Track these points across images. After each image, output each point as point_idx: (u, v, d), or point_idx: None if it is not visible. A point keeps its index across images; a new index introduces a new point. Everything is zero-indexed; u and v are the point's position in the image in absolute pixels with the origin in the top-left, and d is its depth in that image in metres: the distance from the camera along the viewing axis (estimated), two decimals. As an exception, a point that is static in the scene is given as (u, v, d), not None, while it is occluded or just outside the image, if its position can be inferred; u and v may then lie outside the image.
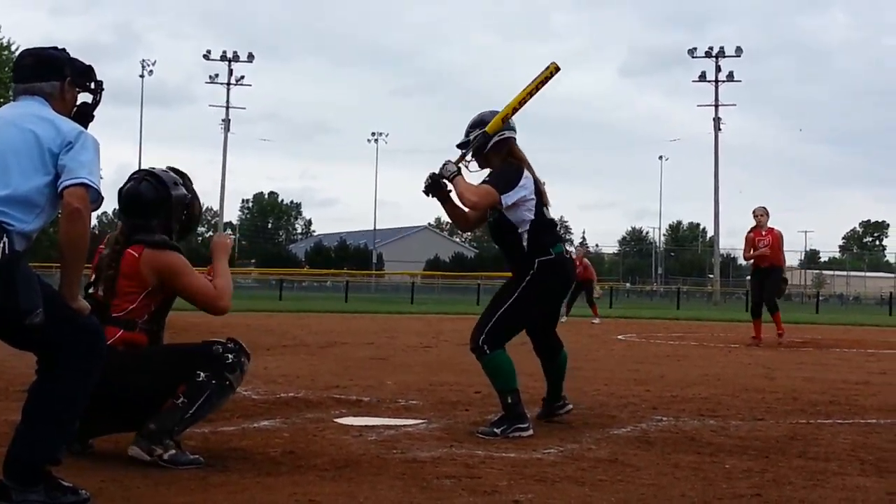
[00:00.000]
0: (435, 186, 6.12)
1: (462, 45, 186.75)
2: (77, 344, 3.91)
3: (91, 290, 4.80)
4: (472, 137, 6.09)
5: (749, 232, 15.49)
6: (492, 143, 6.06)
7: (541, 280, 6.01)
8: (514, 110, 6.09)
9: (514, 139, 6.20)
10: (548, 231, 6.11)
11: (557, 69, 6.12)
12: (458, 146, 6.18)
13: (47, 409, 3.85)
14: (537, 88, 6.09)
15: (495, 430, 5.80)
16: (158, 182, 4.97)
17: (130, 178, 5.03)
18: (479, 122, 6.13)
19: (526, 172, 6.06)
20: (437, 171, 6.06)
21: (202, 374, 4.73)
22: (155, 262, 4.79)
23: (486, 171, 6.17)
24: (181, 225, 5.08)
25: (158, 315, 4.90)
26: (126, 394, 4.66)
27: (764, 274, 15.41)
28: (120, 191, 5.00)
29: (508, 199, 5.92)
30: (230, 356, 4.82)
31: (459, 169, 6.02)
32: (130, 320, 4.77)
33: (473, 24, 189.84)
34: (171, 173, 5.08)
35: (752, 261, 15.57)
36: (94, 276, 4.90)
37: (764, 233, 15.30)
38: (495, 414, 6.11)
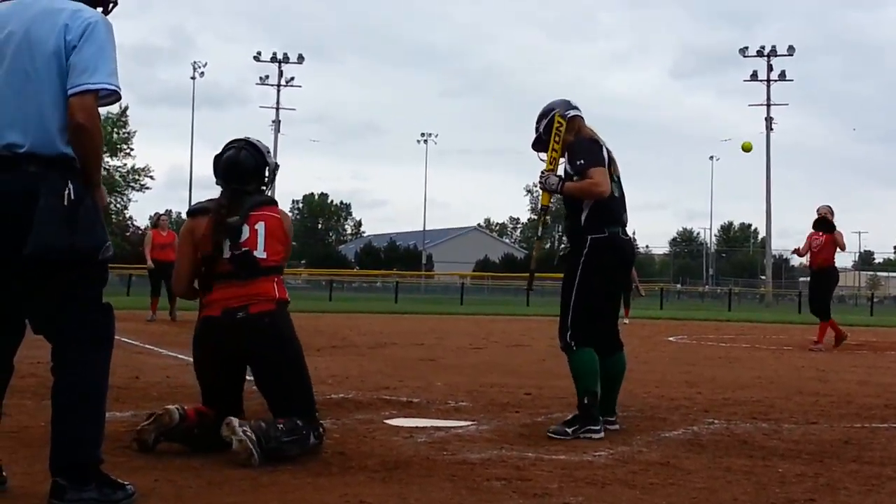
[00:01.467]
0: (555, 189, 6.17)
1: (508, 44, 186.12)
2: (99, 330, 3.90)
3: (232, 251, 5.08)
4: (540, 131, 6.26)
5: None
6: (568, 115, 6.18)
7: (594, 258, 5.99)
8: (551, 171, 6.18)
9: (581, 117, 6.23)
10: (610, 209, 6.05)
11: (564, 117, 6.19)
12: (533, 147, 6.34)
13: (86, 403, 3.82)
14: (556, 142, 6.17)
15: (567, 429, 5.80)
16: (256, 150, 5.34)
17: (230, 147, 5.35)
18: (547, 112, 6.23)
19: (602, 145, 6.14)
20: (542, 186, 6.17)
21: (300, 423, 4.96)
22: (288, 220, 5.26)
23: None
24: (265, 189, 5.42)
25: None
26: (281, 357, 5.07)
27: (815, 276, 15.31)
28: (219, 157, 5.34)
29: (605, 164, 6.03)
30: (322, 430, 5.13)
31: (560, 177, 6.10)
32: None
33: (519, 24, 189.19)
34: (263, 143, 5.45)
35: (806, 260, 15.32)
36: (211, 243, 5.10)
37: (821, 233, 14.98)
38: (567, 413, 6.09)
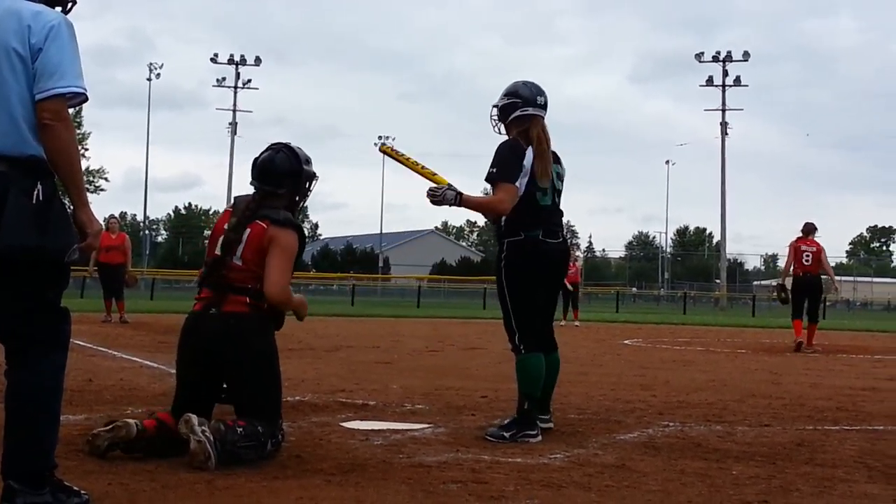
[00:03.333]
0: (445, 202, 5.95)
1: (468, 49, 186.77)
2: (58, 333, 3.87)
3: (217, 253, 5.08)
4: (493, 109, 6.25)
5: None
6: (513, 116, 6.13)
7: (511, 261, 6.00)
8: (425, 168, 6.15)
9: (536, 116, 6.12)
10: (530, 214, 5.97)
11: (386, 145, 6.38)
12: (494, 106, 6.27)
13: (41, 407, 3.79)
14: (410, 162, 6.17)
15: (504, 433, 5.80)
16: (293, 155, 5.30)
17: (269, 148, 5.35)
18: (512, 92, 6.18)
19: (528, 152, 5.98)
20: (436, 199, 5.89)
21: (260, 428, 4.90)
22: (278, 234, 5.08)
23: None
24: (301, 199, 5.37)
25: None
26: (247, 358, 5.02)
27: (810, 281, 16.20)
28: (256, 158, 5.31)
29: (521, 182, 5.92)
30: (281, 437, 5.11)
31: (457, 193, 5.89)
32: (258, 291, 5.06)
33: (478, 29, 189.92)
34: (304, 151, 5.40)
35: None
36: (220, 241, 5.11)
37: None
38: (504, 417, 6.11)
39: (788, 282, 16.44)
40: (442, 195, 5.86)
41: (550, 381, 6.27)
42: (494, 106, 6.25)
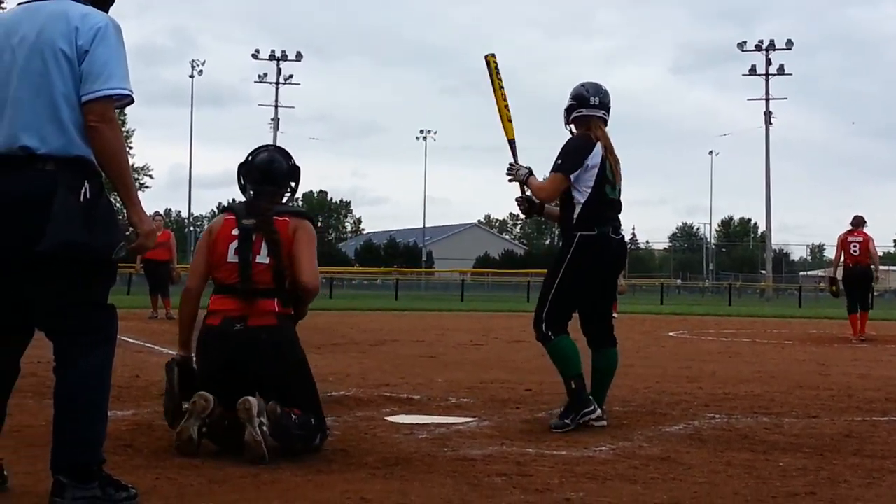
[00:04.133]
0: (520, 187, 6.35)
1: (507, 43, 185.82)
2: (105, 330, 3.92)
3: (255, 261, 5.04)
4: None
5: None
6: (572, 117, 6.30)
7: (579, 255, 6.07)
8: (507, 107, 6.40)
9: (592, 116, 6.25)
10: (602, 209, 6.12)
11: (493, 55, 6.44)
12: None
13: (89, 403, 3.83)
14: (500, 80, 6.38)
15: (566, 421, 5.86)
16: (285, 154, 5.44)
17: (260, 151, 5.44)
18: (572, 95, 6.33)
19: (597, 147, 6.13)
20: (511, 174, 6.33)
21: (313, 420, 5.00)
22: (300, 224, 5.15)
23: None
24: (293, 194, 5.49)
25: None
26: (283, 366, 5.02)
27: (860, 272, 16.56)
28: (250, 162, 5.38)
29: (575, 176, 6.08)
30: (327, 433, 5.17)
31: (529, 170, 6.27)
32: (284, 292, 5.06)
33: (518, 23, 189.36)
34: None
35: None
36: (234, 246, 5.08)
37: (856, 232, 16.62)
38: (560, 405, 6.11)
39: (840, 273, 16.87)
40: (515, 172, 6.29)
41: (607, 379, 6.33)
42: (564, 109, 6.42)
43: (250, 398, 4.76)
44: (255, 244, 5.03)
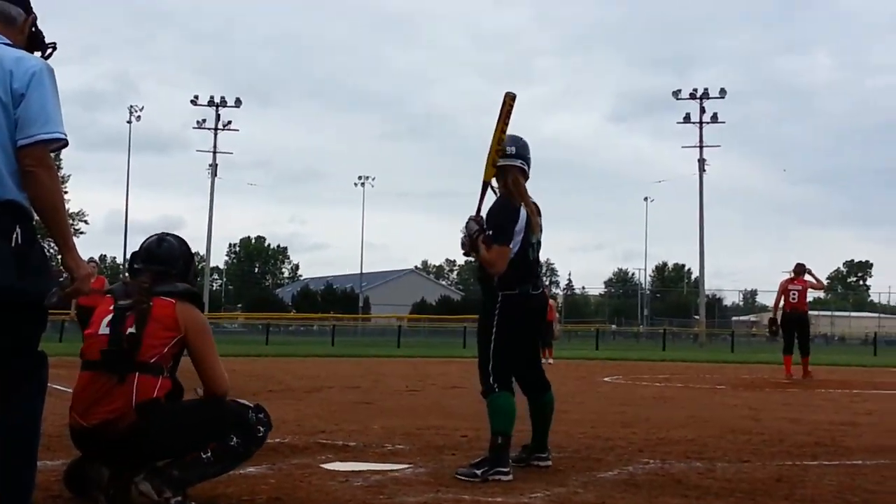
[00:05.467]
0: (471, 245, 6.26)
1: (447, 89, 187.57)
2: (35, 377, 3.86)
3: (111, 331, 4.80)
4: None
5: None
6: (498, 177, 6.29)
7: (505, 313, 6.14)
8: (497, 151, 6.23)
9: (518, 168, 6.30)
10: (523, 271, 6.21)
11: (514, 97, 6.30)
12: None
13: (19, 452, 3.77)
14: (506, 123, 6.25)
15: (476, 471, 5.82)
16: (178, 239, 5.25)
17: (152, 236, 5.26)
18: (515, 142, 6.35)
19: (522, 211, 6.19)
20: (464, 232, 6.27)
21: (235, 439, 4.85)
22: (188, 314, 4.88)
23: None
24: (188, 280, 5.20)
25: (175, 366, 4.91)
26: (163, 443, 4.70)
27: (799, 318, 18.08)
28: (143, 244, 5.21)
29: (515, 245, 6.12)
30: (261, 430, 5.00)
31: (480, 225, 6.20)
32: (160, 366, 4.75)
33: (457, 70, 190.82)
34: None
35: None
36: (108, 317, 4.87)
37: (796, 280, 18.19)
38: (477, 456, 6.12)
39: (780, 316, 18.26)
40: (467, 224, 6.26)
41: (547, 421, 6.46)
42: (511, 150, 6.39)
43: (141, 485, 4.59)
44: (126, 321, 4.80)
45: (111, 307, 4.89)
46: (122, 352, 4.67)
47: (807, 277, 18.18)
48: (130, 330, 4.73)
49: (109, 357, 4.69)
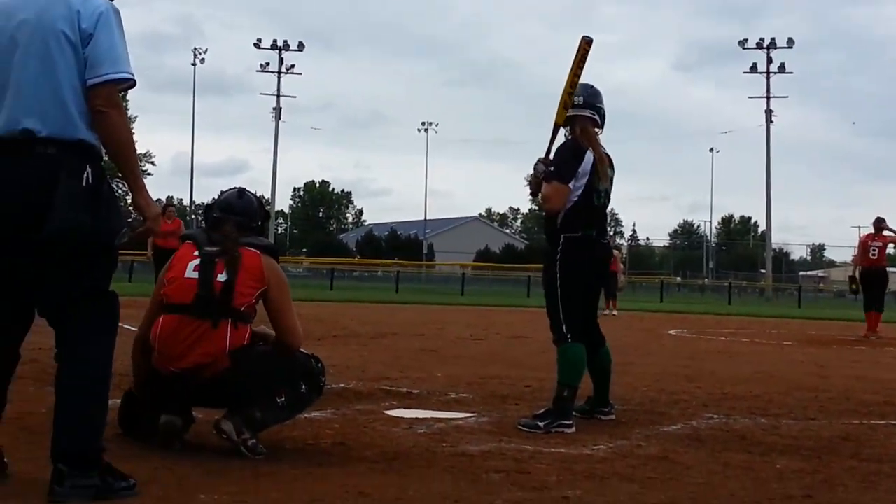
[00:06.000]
0: (537, 188, 6.28)
1: (511, 36, 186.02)
2: (106, 318, 3.92)
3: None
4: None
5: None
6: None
7: (566, 256, 6.11)
8: (570, 94, 6.17)
9: (588, 117, 6.26)
10: (587, 215, 6.15)
11: (590, 42, 6.18)
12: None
13: (90, 391, 3.83)
14: (580, 68, 6.16)
15: (539, 423, 5.82)
16: (255, 196, 5.34)
17: (231, 189, 5.34)
18: (585, 91, 6.29)
19: (588, 154, 6.14)
20: (532, 174, 6.27)
21: (304, 386, 4.96)
22: (273, 268, 4.95)
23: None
24: (260, 230, 5.27)
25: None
26: (249, 388, 4.79)
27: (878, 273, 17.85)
28: (222, 194, 5.31)
29: (575, 184, 6.08)
30: (322, 379, 5.09)
31: (547, 167, 6.15)
32: (249, 315, 4.84)
33: (521, 16, 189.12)
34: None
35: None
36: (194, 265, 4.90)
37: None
38: (540, 406, 6.13)
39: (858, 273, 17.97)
40: (535, 164, 6.23)
41: (606, 374, 6.41)
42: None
43: (223, 424, 4.71)
44: (216, 268, 4.83)
45: (195, 252, 4.93)
46: (214, 298, 4.73)
47: (886, 233, 17.78)
48: (221, 276, 4.78)
49: (202, 302, 4.74)
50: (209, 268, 4.82)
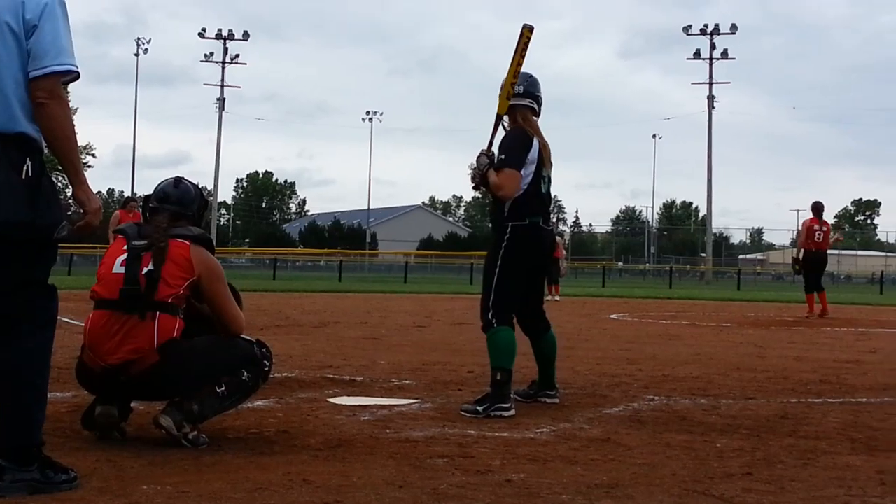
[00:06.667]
0: (481, 180, 6.22)
1: (457, 23, 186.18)
2: (45, 311, 3.87)
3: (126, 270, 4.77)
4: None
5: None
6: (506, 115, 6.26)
7: (513, 245, 6.12)
8: (512, 85, 6.17)
9: (527, 106, 6.28)
10: (534, 202, 6.19)
11: (531, 30, 6.19)
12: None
13: (29, 384, 3.79)
14: (522, 56, 6.16)
15: (478, 407, 5.85)
16: (193, 184, 5.25)
17: (169, 178, 5.26)
18: (524, 80, 6.27)
19: (534, 142, 6.17)
20: (474, 165, 6.22)
21: (246, 373, 4.92)
22: (203, 258, 4.86)
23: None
24: (201, 226, 5.22)
25: (187, 307, 4.92)
26: (182, 380, 4.73)
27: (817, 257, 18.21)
28: (159, 185, 5.21)
29: (526, 170, 6.09)
30: (267, 364, 5.07)
31: (490, 159, 6.14)
32: (177, 307, 4.76)
33: (467, 4, 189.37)
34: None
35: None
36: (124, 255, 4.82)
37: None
38: (482, 391, 6.16)
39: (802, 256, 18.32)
40: (478, 157, 6.19)
41: (551, 359, 6.46)
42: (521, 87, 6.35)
43: (161, 419, 4.66)
44: (143, 261, 4.75)
45: (124, 247, 4.85)
46: (140, 291, 4.67)
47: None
48: (147, 269, 4.72)
49: (128, 296, 4.68)
50: (135, 262, 4.76)
